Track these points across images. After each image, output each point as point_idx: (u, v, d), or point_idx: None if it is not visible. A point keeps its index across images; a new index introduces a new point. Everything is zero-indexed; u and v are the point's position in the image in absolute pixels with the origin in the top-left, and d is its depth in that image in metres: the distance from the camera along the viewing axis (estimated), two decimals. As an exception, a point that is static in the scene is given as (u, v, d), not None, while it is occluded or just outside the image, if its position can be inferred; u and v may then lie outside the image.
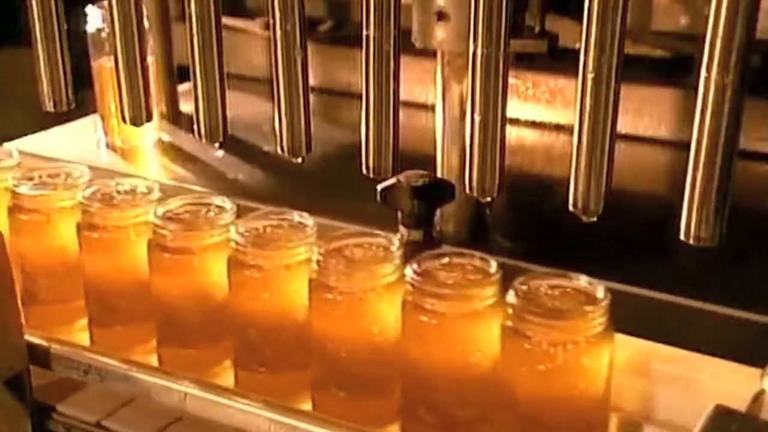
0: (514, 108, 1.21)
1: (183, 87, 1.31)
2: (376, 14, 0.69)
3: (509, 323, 0.70)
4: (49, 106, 0.88)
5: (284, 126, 0.76)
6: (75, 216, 0.88)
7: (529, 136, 1.22)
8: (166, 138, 1.23)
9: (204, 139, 0.81)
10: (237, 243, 0.79)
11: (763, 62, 1.04)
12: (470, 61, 0.68)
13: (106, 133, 1.22)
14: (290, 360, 0.81)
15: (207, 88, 0.78)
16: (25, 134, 1.20)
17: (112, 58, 0.83)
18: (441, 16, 0.88)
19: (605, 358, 0.70)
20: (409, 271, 0.73)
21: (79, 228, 0.87)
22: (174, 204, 0.85)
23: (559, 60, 1.03)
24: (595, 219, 0.67)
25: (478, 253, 0.75)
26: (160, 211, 0.84)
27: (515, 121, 1.22)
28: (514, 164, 1.10)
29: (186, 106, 1.32)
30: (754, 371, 0.69)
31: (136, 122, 0.85)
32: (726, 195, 0.62)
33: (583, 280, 0.72)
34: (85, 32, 1.17)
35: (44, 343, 0.88)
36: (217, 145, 0.82)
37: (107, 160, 1.17)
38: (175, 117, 1.31)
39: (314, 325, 0.78)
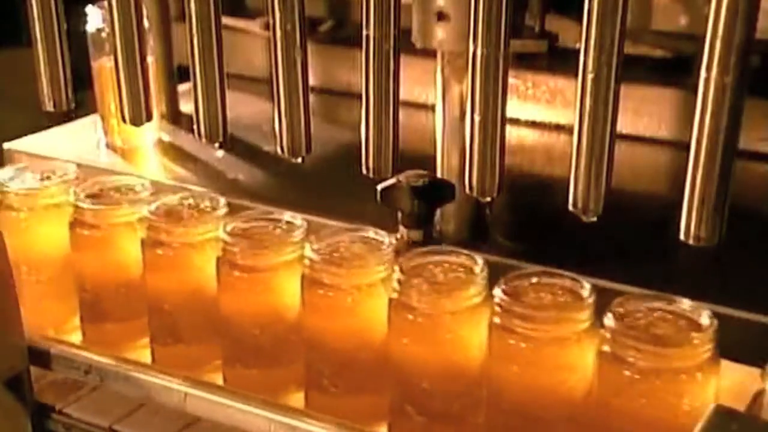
0: (514, 108, 1.21)
1: (183, 87, 1.31)
2: (376, 14, 0.69)
3: (607, 348, 0.68)
4: (49, 106, 0.88)
5: (284, 126, 0.76)
6: (137, 231, 0.86)
7: (529, 136, 1.22)
8: (166, 138, 1.23)
9: (204, 139, 0.81)
10: (312, 261, 0.77)
11: (763, 62, 1.04)
12: (470, 62, 0.68)
13: (106, 133, 1.22)
14: (366, 383, 0.79)
15: (207, 88, 0.78)
16: (25, 134, 1.20)
17: (112, 58, 0.83)
18: (441, 16, 0.88)
19: (711, 388, 0.67)
20: (497, 292, 0.71)
21: (144, 244, 0.85)
22: (242, 220, 0.83)
23: (559, 60, 1.03)
24: (595, 219, 0.67)
25: (569, 273, 0.73)
26: (229, 227, 0.82)
27: (515, 121, 1.22)
28: (514, 164, 1.10)
29: (186, 106, 1.32)
30: (754, 371, 0.69)
31: (136, 122, 0.85)
32: (726, 195, 0.62)
33: (685, 304, 0.69)
34: (85, 32, 1.17)
35: (44, 343, 0.88)
36: (217, 145, 0.82)
37: (107, 160, 1.17)
38: (175, 117, 1.30)
39: (393, 348, 0.75)
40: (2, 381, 0.86)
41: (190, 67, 0.78)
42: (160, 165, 1.17)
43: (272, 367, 0.83)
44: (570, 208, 0.68)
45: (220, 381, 0.84)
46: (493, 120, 0.69)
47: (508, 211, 0.99)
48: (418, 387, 0.74)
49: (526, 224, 0.99)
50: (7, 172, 0.93)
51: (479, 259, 0.76)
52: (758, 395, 0.65)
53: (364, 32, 0.70)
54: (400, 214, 0.85)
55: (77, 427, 0.89)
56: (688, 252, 0.65)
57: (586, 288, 0.71)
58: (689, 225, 0.63)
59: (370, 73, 0.71)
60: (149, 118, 0.86)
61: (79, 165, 0.95)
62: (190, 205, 0.87)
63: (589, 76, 0.63)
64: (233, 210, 0.86)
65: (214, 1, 0.76)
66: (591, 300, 0.70)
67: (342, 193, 1.00)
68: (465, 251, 0.77)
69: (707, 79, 0.59)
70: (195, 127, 0.80)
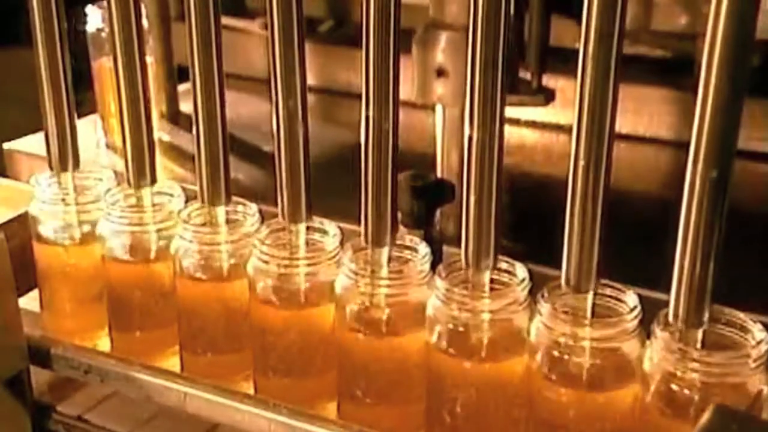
0: (514, 108, 1.21)
1: (183, 87, 1.31)
2: (376, 95, 0.70)
3: (652, 361, 0.67)
4: (57, 168, 0.88)
5: (285, 195, 0.77)
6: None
7: (529, 136, 1.22)
8: (166, 138, 1.23)
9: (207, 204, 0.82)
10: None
11: (764, 62, 1.04)
12: (466, 145, 0.69)
13: (106, 133, 1.22)
14: (401, 393, 0.78)
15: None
16: (25, 134, 1.20)
17: (112, 57, 0.83)
18: (440, 72, 0.89)
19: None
20: (540, 302, 0.70)
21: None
22: (275, 229, 0.81)
23: (559, 60, 1.03)
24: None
25: (612, 283, 0.71)
26: (262, 236, 0.80)
27: (515, 121, 1.22)
28: (514, 164, 1.10)
29: (186, 106, 1.32)
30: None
31: (140, 185, 0.85)
32: (713, 280, 0.63)
33: (735, 316, 0.68)
34: (85, 32, 1.17)
35: (44, 343, 0.88)
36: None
37: (107, 160, 1.17)
38: (174, 117, 1.31)
39: (431, 358, 0.74)
40: (2, 381, 0.86)
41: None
42: (160, 165, 1.17)
43: (305, 378, 0.82)
44: (563, 285, 0.68)
45: (250, 391, 0.84)
46: (488, 199, 0.69)
47: (508, 211, 0.99)
48: (456, 398, 0.74)
49: (526, 224, 0.99)
50: (41, 177, 0.92)
51: (521, 269, 0.74)
52: (758, 395, 0.65)
53: (363, 113, 0.71)
54: (400, 214, 0.84)
55: (77, 427, 0.89)
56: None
57: (631, 298, 0.70)
58: (677, 309, 0.64)
59: (369, 153, 0.72)
60: (153, 181, 0.86)
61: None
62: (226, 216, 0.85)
63: (581, 164, 0.64)
64: (265, 217, 0.85)
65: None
66: (637, 310, 0.69)
67: (342, 193, 1.00)
68: (507, 259, 0.76)
69: (693, 173, 0.60)
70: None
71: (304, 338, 0.81)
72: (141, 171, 0.86)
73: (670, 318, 0.65)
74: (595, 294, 0.69)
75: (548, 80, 1.21)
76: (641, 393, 0.68)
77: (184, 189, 0.90)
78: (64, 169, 0.90)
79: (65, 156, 0.90)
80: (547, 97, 0.97)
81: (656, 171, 1.16)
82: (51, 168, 0.90)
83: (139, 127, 0.85)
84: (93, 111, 1.23)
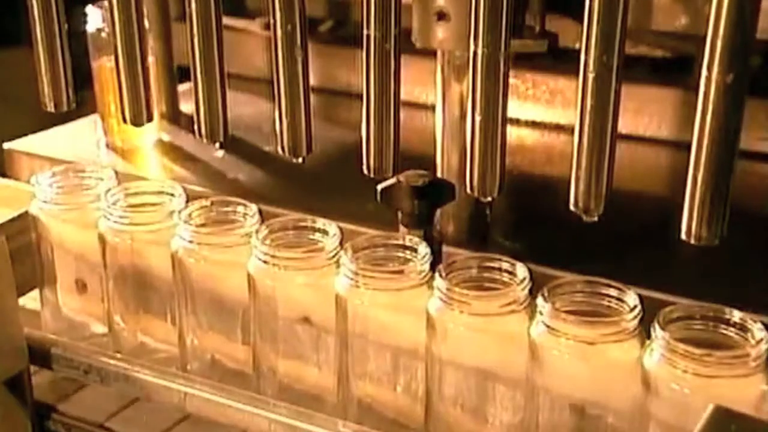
0: (514, 108, 1.21)
1: (183, 87, 1.31)
2: (377, 13, 0.69)
3: (652, 359, 0.67)
4: (50, 107, 0.87)
5: (285, 126, 0.76)
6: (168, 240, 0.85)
7: (529, 136, 1.22)
8: (166, 138, 1.23)
9: (204, 139, 0.80)
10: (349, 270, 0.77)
11: (764, 62, 1.04)
12: (471, 61, 0.68)
13: (106, 133, 1.22)
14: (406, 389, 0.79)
15: (207, 88, 0.78)
16: (25, 134, 1.20)
17: (112, 57, 0.83)
18: (441, 16, 0.88)
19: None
20: (540, 301, 0.70)
21: (174, 253, 0.85)
22: (274, 229, 0.81)
23: (559, 60, 1.03)
24: (595, 219, 0.67)
25: (614, 283, 0.72)
26: (261, 235, 0.80)
27: (515, 121, 1.22)
28: (514, 164, 1.10)
29: (186, 106, 1.32)
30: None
31: (136, 122, 0.84)
32: (726, 195, 0.62)
33: (735, 315, 0.68)
34: (85, 32, 1.17)
35: (44, 343, 0.88)
36: (217, 145, 0.81)
37: (107, 160, 1.17)
38: (175, 117, 1.30)
39: (431, 355, 0.75)
40: (2, 381, 0.86)
41: (191, 68, 0.78)
42: (160, 165, 1.17)
43: (307, 376, 0.82)
44: (571, 207, 0.67)
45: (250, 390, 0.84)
46: (494, 120, 0.69)
47: (508, 211, 0.99)
48: (456, 398, 0.74)
49: (526, 224, 0.99)
50: (41, 177, 0.92)
51: (521, 268, 0.74)
52: (758, 395, 0.65)
53: (365, 32, 0.70)
54: (400, 214, 0.84)
55: (77, 427, 0.89)
56: (688, 252, 0.65)
57: (631, 298, 0.70)
58: (690, 225, 0.63)
59: (370, 72, 0.71)
60: (150, 118, 0.85)
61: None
62: (220, 212, 0.86)
63: (590, 75, 0.63)
64: (265, 217, 0.85)
65: (215, 2, 0.75)
66: (637, 310, 0.69)
67: (342, 193, 1.00)
68: (507, 259, 0.76)
69: (708, 78, 0.59)
70: (195, 126, 0.80)
71: (303, 337, 0.81)
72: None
73: (683, 235, 0.64)
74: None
75: (548, 80, 1.22)
76: (641, 393, 0.68)
77: (184, 189, 0.90)
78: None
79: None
80: (551, 42, 0.95)
81: (656, 171, 1.16)
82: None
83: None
84: (93, 111, 1.23)
